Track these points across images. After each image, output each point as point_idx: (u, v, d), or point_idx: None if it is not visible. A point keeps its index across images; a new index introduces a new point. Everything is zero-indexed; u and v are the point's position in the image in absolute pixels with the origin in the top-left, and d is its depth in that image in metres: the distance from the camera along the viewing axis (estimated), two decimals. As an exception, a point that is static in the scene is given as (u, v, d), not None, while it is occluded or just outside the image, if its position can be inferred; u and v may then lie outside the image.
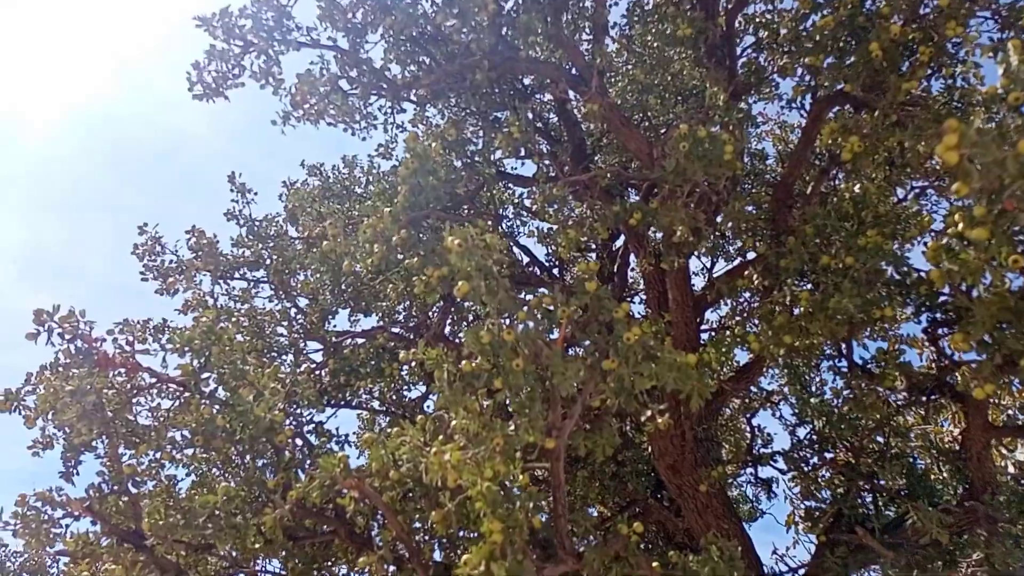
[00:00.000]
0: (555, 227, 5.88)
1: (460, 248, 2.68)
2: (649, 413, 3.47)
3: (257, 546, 3.65)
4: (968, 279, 2.82)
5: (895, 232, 3.66)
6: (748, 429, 6.72)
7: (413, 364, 4.25)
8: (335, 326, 6.23)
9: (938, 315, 3.95)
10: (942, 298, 3.84)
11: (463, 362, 2.84)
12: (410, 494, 3.32)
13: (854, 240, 3.65)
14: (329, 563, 4.71)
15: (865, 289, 3.42)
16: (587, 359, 2.99)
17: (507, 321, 2.80)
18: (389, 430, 3.14)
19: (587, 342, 2.99)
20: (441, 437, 2.90)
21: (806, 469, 4.85)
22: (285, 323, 5.66)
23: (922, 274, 3.60)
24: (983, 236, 2.56)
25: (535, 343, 2.71)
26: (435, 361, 3.12)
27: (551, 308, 2.94)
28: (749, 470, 6.84)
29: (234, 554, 3.75)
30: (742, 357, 5.72)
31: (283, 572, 5.22)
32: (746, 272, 4.61)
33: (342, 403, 5.30)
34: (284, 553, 3.90)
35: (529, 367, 2.67)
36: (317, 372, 5.24)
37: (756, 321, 4.42)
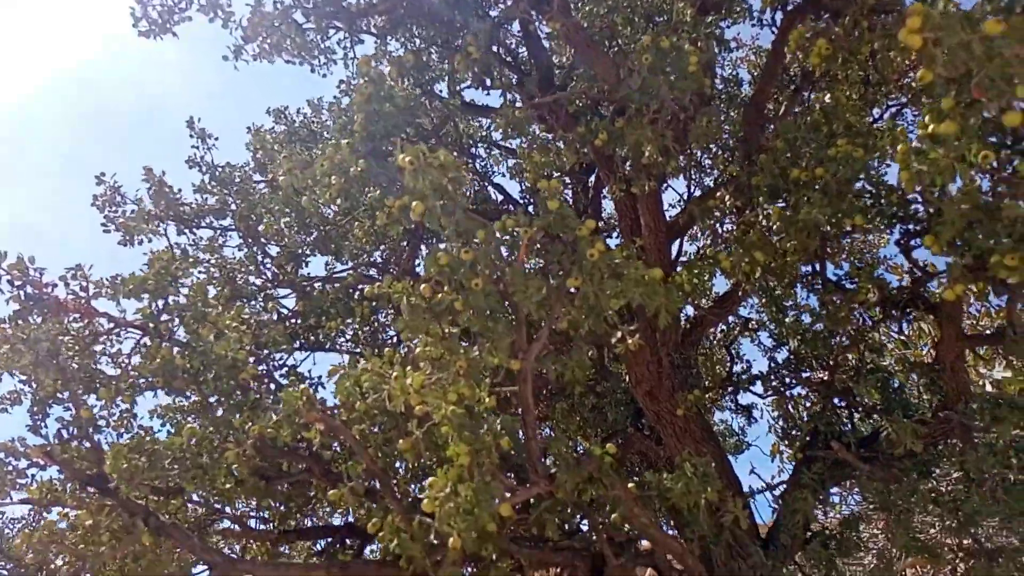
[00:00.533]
0: (522, 160, 5.75)
1: (412, 166, 2.57)
2: (619, 335, 3.42)
3: (227, 486, 3.61)
4: (937, 179, 2.75)
5: (867, 144, 3.57)
6: (728, 357, 6.74)
7: (380, 300, 4.16)
8: (308, 273, 6.13)
9: (911, 226, 3.90)
10: (914, 207, 3.78)
11: (422, 286, 2.76)
12: (379, 426, 3.27)
13: (824, 152, 3.57)
14: (307, 504, 4.70)
15: (836, 200, 3.35)
16: (550, 279, 2.92)
17: (466, 242, 2.71)
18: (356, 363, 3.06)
19: (551, 263, 2.91)
20: (408, 367, 2.84)
21: (783, 389, 4.85)
22: (254, 269, 5.53)
23: (894, 184, 3.53)
24: (951, 130, 2.47)
25: (494, 262, 2.62)
26: (400, 293, 3.03)
27: (512, 229, 2.85)
28: (729, 398, 6.90)
29: (204, 496, 3.71)
30: (721, 287, 5.68)
31: (264, 515, 5.24)
32: (718, 194, 4.52)
33: (315, 346, 5.23)
34: (257, 494, 3.85)
35: (489, 287, 2.59)
36: (286, 315, 5.15)
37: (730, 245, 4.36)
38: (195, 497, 4.00)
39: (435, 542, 2.73)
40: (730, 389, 6.57)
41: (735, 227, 4.42)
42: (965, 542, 4.59)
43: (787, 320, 4.56)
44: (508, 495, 2.76)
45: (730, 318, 6.76)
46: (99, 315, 3.54)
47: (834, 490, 5.05)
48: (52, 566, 3.22)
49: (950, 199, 2.71)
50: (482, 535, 2.88)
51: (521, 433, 3.12)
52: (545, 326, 2.99)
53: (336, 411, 3.39)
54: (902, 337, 4.62)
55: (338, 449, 4.43)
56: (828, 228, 3.34)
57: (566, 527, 3.95)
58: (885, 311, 4.32)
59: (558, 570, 4.70)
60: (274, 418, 3.00)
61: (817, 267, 4.13)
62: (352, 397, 3.06)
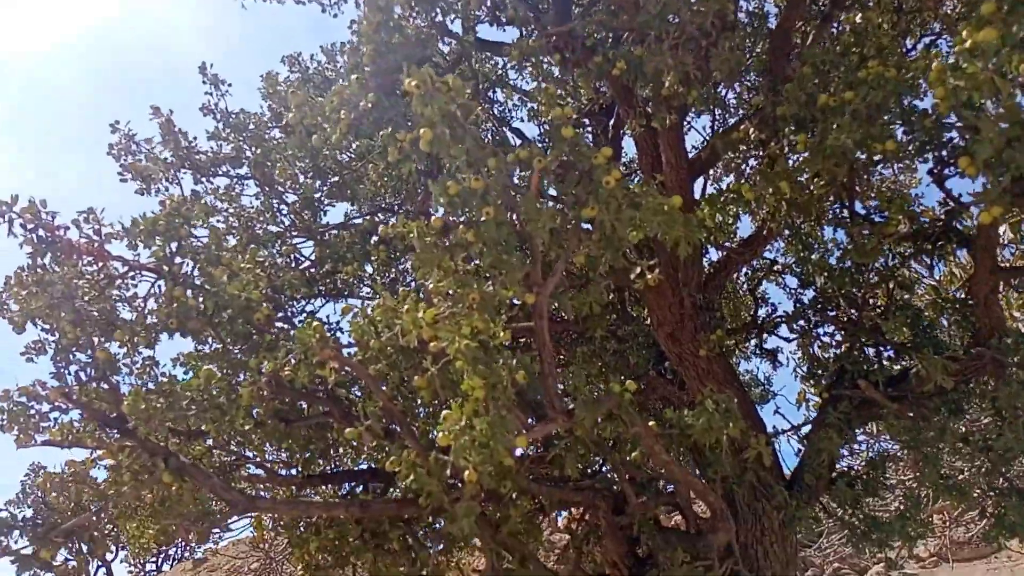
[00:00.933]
0: (537, 96, 5.59)
1: (419, 91, 2.47)
2: (638, 270, 3.33)
3: (247, 428, 3.62)
4: (975, 95, 2.59)
5: (900, 65, 3.39)
6: (752, 301, 6.61)
7: (395, 240, 4.08)
8: (327, 222, 6.07)
9: (944, 153, 3.72)
10: (948, 135, 3.61)
11: (432, 217, 2.68)
12: (395, 365, 3.23)
13: (854, 75, 3.39)
14: (329, 448, 4.72)
15: (866, 124, 3.19)
16: (566, 210, 2.82)
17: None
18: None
19: (566, 194, 2.81)
20: (421, 303, 2.77)
21: (809, 328, 4.73)
22: (270, 217, 5.49)
23: (928, 108, 3.35)
24: (991, 38, 2.31)
25: (507, 192, 2.53)
26: (415, 231, 2.95)
27: (525, 159, 2.75)
28: (754, 342, 6.79)
29: (225, 438, 3.72)
30: (746, 231, 5.53)
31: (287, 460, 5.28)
32: (742, 127, 4.36)
33: (334, 294, 5.20)
34: (277, 436, 3.86)
35: (501, 217, 2.51)
36: (303, 262, 5.11)
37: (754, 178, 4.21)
38: (212, 438, 4.03)
39: (452, 479, 2.70)
40: (755, 333, 6.47)
41: (760, 162, 4.26)
42: (995, 482, 4.50)
43: (813, 257, 4.43)
44: (524, 430, 2.72)
45: (755, 262, 6.63)
46: (113, 258, 3.52)
47: (861, 431, 4.97)
48: (77, 506, 3.26)
49: (987, 116, 2.56)
50: (499, 470, 2.85)
51: (538, 370, 3.06)
52: (561, 260, 2.91)
53: (352, 352, 3.36)
54: (933, 275, 4.47)
55: (357, 393, 4.43)
56: (857, 155, 3.19)
57: (586, 467, 3.92)
58: (916, 245, 4.17)
59: (579, 511, 4.70)
60: (288, 356, 2.97)
61: (845, 201, 3.97)
62: (366, 335, 3.01)
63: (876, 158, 3.67)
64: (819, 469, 4.42)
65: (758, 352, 6.90)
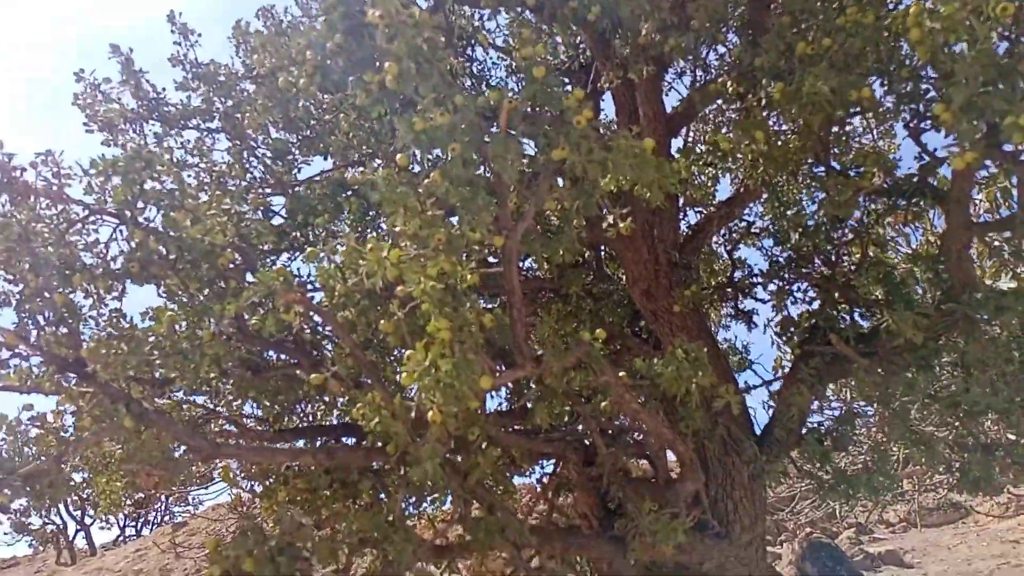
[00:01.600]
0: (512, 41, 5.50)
1: (383, 21, 2.38)
2: (611, 219, 3.29)
3: (212, 376, 3.56)
4: (951, 36, 2.55)
5: (878, 13, 3.34)
6: (729, 263, 6.61)
7: (365, 188, 4.00)
8: (297, 176, 5.96)
9: (920, 107, 3.70)
10: (924, 86, 3.58)
11: (398, 156, 2.62)
12: (361, 311, 3.18)
13: (832, 23, 3.34)
14: (299, 401, 4.68)
15: (843, 71, 3.15)
16: (537, 155, 2.77)
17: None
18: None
19: (536, 136, 2.75)
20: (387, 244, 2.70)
21: (783, 286, 4.73)
22: (241, 170, 5.38)
23: (904, 54, 3.31)
24: (969, -26, 2.27)
25: (474, 128, 2.47)
26: (385, 180, 2.88)
27: (495, 100, 2.68)
28: (729, 305, 6.81)
29: (191, 386, 3.66)
30: (724, 195, 5.50)
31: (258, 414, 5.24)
32: (719, 80, 4.30)
33: (305, 246, 5.12)
34: (244, 386, 3.81)
35: (468, 154, 2.44)
36: (272, 215, 5.02)
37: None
38: (183, 391, 3.98)
39: (418, 425, 2.67)
40: (730, 295, 6.48)
41: (737, 115, 4.21)
42: (961, 437, 4.56)
43: (788, 214, 4.41)
44: (491, 373, 2.68)
45: (732, 224, 6.62)
46: (73, 202, 3.41)
47: (831, 387, 5.01)
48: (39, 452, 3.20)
49: (963, 59, 2.52)
50: (465, 415, 2.83)
51: (507, 317, 3.03)
52: (531, 204, 2.86)
53: (319, 300, 3.30)
54: (907, 232, 4.47)
55: (328, 347, 4.38)
56: (833, 105, 3.15)
57: (557, 420, 3.91)
58: (891, 201, 4.16)
59: (550, 466, 4.72)
60: (251, 300, 2.90)
61: (820, 155, 3.94)
62: (331, 279, 2.96)
63: (853, 110, 3.64)
64: (789, 424, 4.45)
65: (733, 314, 6.94)
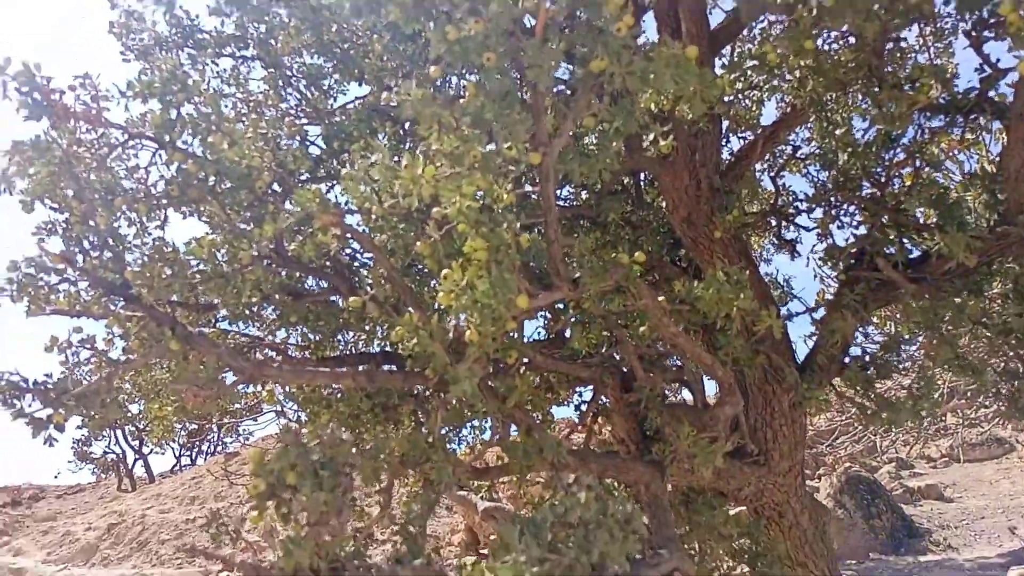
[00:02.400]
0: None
1: (414, -74, 2.29)
2: (652, 136, 3.18)
3: (253, 300, 3.61)
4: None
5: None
6: (773, 189, 6.43)
7: (401, 109, 3.93)
8: (332, 104, 5.90)
9: (984, 13, 3.48)
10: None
11: (432, 69, 2.55)
12: (400, 235, 3.16)
13: (891, -76, 3.12)
14: (339, 328, 4.74)
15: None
16: (575, 68, 2.67)
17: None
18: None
19: (574, 45, 2.65)
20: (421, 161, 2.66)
21: (829, 209, 4.58)
22: (276, 97, 5.34)
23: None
24: None
25: (509, 38, 2.38)
26: (419, 98, 2.81)
27: (530, 8, 2.57)
28: (773, 232, 6.65)
29: (235, 312, 3.72)
30: (768, 118, 5.30)
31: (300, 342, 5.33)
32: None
33: (342, 172, 5.08)
34: (285, 310, 3.86)
35: (503, 64, 2.36)
36: (309, 140, 5.00)
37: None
38: (226, 320, 4.05)
39: (456, 346, 2.67)
40: (773, 221, 6.33)
41: (784, 30, 4.01)
42: (1011, 364, 4.44)
43: (838, 132, 4.23)
44: (528, 294, 2.66)
45: (777, 150, 6.41)
46: (112, 126, 3.43)
47: (876, 313, 4.89)
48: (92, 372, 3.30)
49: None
50: (503, 337, 2.82)
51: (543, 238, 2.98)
52: (568, 120, 2.77)
53: (355, 222, 3.29)
54: (964, 150, 4.26)
55: (366, 272, 4.40)
56: (890, 9, 2.97)
57: (595, 345, 3.90)
58: (949, 117, 3.96)
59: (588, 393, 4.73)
60: (288, 222, 2.91)
61: (874, 68, 3.75)
62: (367, 201, 2.93)
63: (910, 19, 3.43)
64: (832, 351, 4.37)
65: (776, 242, 6.78)
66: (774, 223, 6.32)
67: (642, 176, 5.70)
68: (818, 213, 6.34)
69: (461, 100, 2.59)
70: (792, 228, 6.46)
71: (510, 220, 2.60)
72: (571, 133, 2.83)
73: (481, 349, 2.58)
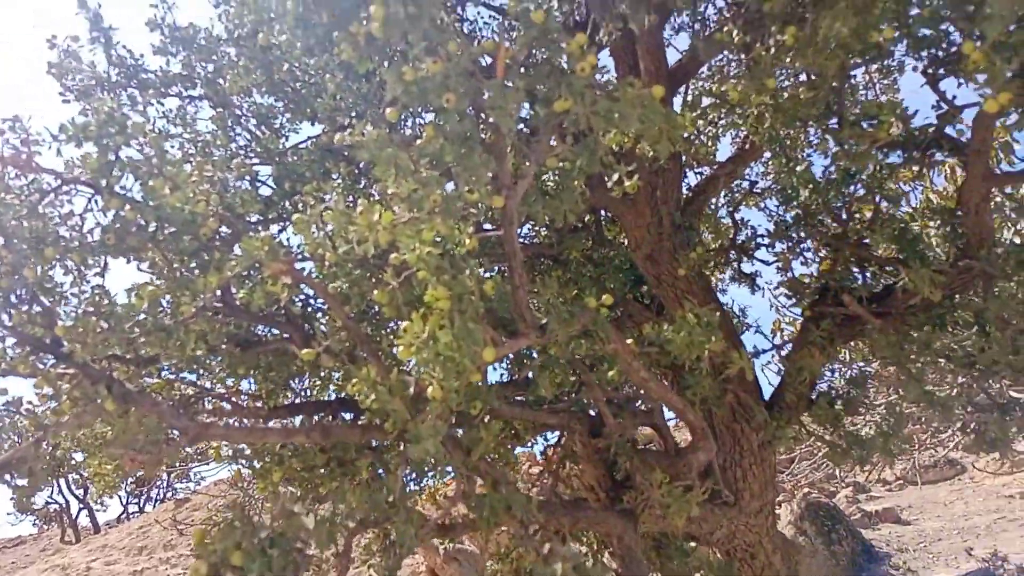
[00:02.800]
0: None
1: (367, -38, 2.17)
2: (616, 177, 3.10)
3: (199, 353, 3.39)
4: (985, -33, 2.35)
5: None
6: (731, 223, 6.43)
7: (355, 151, 3.78)
8: (285, 144, 5.74)
9: (940, 53, 3.50)
10: (945, 28, 3.37)
11: (388, 111, 2.42)
12: (356, 281, 3.00)
13: (847, -38, 3.12)
14: (292, 377, 4.52)
15: (862, 11, 2.94)
16: (536, 109, 2.57)
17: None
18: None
19: (536, 86, 2.55)
20: (378, 206, 2.51)
21: (792, 244, 4.56)
22: (225, 138, 5.15)
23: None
24: None
25: (469, 78, 2.27)
26: (375, 139, 2.68)
27: (490, 49, 2.47)
28: (732, 267, 6.65)
29: (178, 365, 3.50)
30: (725, 152, 5.30)
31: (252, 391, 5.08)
32: (725, 28, 4.07)
33: (294, 215, 4.90)
34: (233, 362, 3.65)
35: (464, 105, 2.25)
36: (259, 185, 4.81)
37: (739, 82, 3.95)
38: (168, 368, 3.81)
39: (417, 400, 2.51)
40: (733, 256, 6.32)
41: (744, 67, 4.00)
42: (976, 396, 4.43)
43: (798, 169, 4.22)
44: (493, 344, 2.52)
45: (734, 184, 6.43)
46: (44, 171, 3.21)
47: (843, 349, 4.86)
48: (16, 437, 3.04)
49: (998, -9, 2.32)
50: (467, 388, 2.67)
51: (508, 283, 2.85)
52: (531, 163, 2.66)
53: (309, 269, 3.12)
54: (921, 184, 4.29)
55: (321, 320, 4.20)
56: (851, 47, 2.95)
57: (561, 390, 3.76)
58: (907, 153, 3.97)
59: (555, 438, 4.57)
60: (236, 271, 2.72)
61: (833, 105, 3.74)
62: (321, 247, 2.77)
63: (868, 56, 3.44)
64: (800, 388, 4.31)
65: (736, 277, 6.78)
66: (733, 257, 6.31)
67: (603, 212, 5.64)
68: (779, 247, 6.39)
69: (419, 141, 2.47)
70: (751, 262, 6.49)
71: (472, 266, 2.46)
72: (533, 174, 2.72)
73: (444, 404, 2.43)
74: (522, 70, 2.43)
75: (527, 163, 2.68)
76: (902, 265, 4.10)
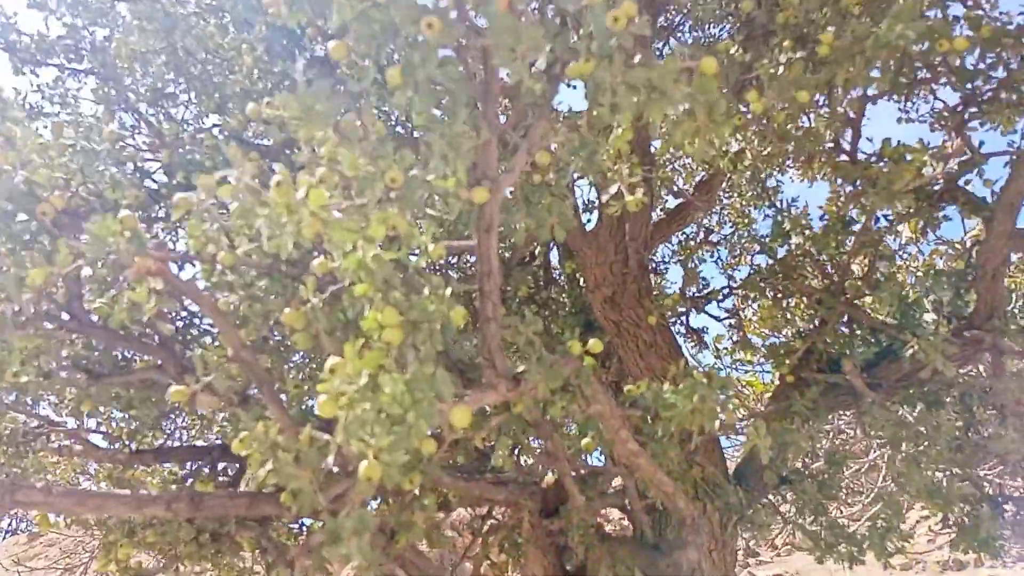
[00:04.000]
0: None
1: None
2: (614, 190, 2.41)
3: (24, 380, 2.44)
4: None
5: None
6: (683, 271, 5.89)
7: (272, 128, 2.94)
8: (183, 126, 4.80)
9: (974, 87, 3.04)
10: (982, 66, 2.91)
11: (331, 45, 1.65)
12: (254, 297, 2.15)
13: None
14: (163, 416, 3.57)
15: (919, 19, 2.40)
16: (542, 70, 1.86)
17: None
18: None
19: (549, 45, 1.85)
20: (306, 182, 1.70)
21: (777, 295, 3.99)
22: (106, 114, 4.21)
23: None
24: None
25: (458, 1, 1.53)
26: (307, 95, 1.87)
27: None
28: (679, 320, 6.10)
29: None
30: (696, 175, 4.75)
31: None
32: (723, 41, 3.52)
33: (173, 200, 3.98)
34: (80, 394, 2.71)
35: (452, 36, 1.50)
36: (144, 169, 3.87)
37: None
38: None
39: (335, 469, 1.69)
40: (681, 309, 5.76)
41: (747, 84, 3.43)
42: (964, 488, 3.94)
43: (790, 211, 3.67)
44: (456, 396, 1.74)
45: (688, 229, 5.92)
46: None
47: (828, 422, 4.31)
48: None
49: None
50: (411, 461, 1.87)
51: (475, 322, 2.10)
52: (522, 148, 1.94)
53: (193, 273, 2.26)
54: (926, 245, 3.82)
55: (209, 347, 3.28)
56: (914, 56, 2.40)
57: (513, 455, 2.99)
58: (917, 203, 3.48)
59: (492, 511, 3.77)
60: (77, 262, 1.85)
61: (849, 133, 3.22)
62: (212, 242, 1.93)
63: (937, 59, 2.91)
64: (779, 466, 3.69)
65: (683, 331, 6.23)
66: (681, 309, 5.75)
67: (550, 246, 4.96)
68: (727, 303, 5.88)
69: (372, 99, 1.71)
70: (704, 314, 5.96)
71: (437, 283, 1.69)
72: (524, 165, 1.99)
73: (379, 483, 1.61)
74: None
75: (517, 153, 1.95)
76: (900, 331, 3.58)
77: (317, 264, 1.83)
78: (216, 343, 2.92)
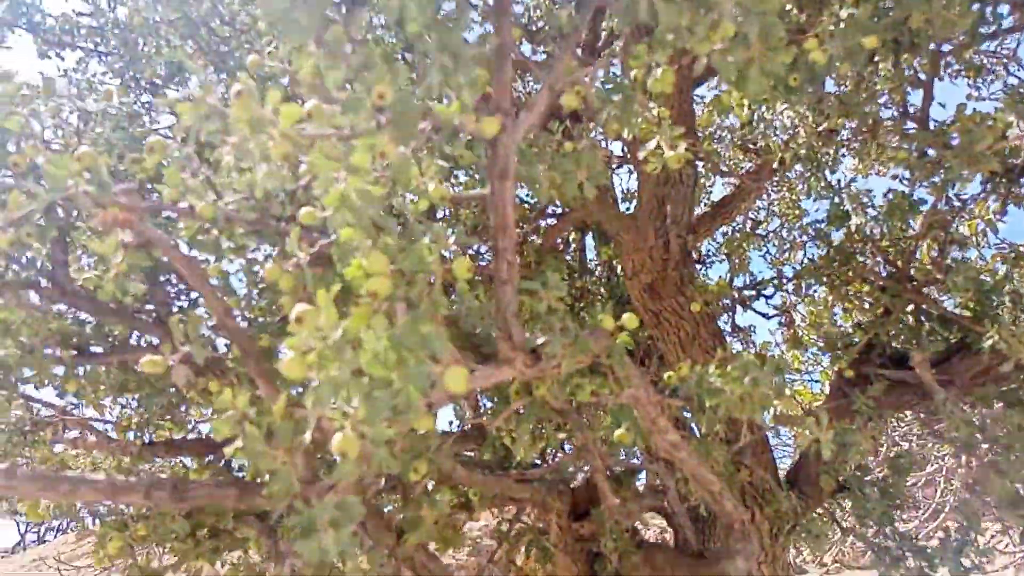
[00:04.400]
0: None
1: None
2: (653, 144, 2.11)
3: (1, 353, 2.24)
4: None
5: None
6: (728, 265, 5.53)
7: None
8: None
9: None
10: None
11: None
12: (242, 243, 1.91)
13: None
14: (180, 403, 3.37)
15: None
16: None
17: None
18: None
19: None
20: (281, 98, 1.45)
21: (837, 281, 3.62)
22: (121, 89, 4.06)
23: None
24: None
25: None
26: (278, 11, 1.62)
27: None
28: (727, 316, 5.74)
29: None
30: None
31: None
32: None
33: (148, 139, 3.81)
34: (67, 376, 2.51)
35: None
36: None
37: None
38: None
39: (315, 450, 1.42)
40: (726, 303, 5.41)
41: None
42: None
43: (850, 187, 3.32)
44: (466, 373, 1.47)
45: (737, 219, 5.56)
46: None
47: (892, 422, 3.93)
48: None
49: None
50: (408, 442, 1.60)
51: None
52: (544, 86, 1.66)
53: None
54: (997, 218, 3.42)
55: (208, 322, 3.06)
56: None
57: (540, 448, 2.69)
58: (993, 180, 3.11)
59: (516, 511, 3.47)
60: (31, 206, 1.63)
61: (919, 100, 2.86)
62: (193, 193, 1.70)
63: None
64: (841, 470, 3.33)
65: (729, 330, 5.86)
66: (727, 303, 5.39)
67: (587, 230, 4.66)
68: (776, 299, 5.50)
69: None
70: (746, 311, 5.61)
71: (436, 230, 1.42)
72: (545, 106, 1.71)
73: (365, 466, 1.34)
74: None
75: (539, 90, 1.67)
76: (974, 322, 3.21)
77: (304, 213, 1.58)
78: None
